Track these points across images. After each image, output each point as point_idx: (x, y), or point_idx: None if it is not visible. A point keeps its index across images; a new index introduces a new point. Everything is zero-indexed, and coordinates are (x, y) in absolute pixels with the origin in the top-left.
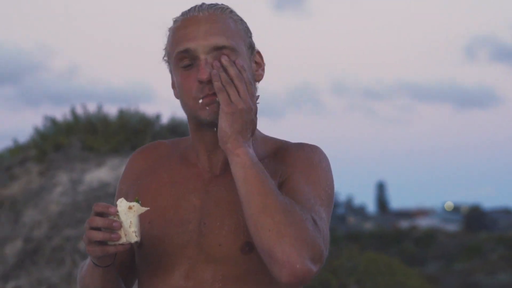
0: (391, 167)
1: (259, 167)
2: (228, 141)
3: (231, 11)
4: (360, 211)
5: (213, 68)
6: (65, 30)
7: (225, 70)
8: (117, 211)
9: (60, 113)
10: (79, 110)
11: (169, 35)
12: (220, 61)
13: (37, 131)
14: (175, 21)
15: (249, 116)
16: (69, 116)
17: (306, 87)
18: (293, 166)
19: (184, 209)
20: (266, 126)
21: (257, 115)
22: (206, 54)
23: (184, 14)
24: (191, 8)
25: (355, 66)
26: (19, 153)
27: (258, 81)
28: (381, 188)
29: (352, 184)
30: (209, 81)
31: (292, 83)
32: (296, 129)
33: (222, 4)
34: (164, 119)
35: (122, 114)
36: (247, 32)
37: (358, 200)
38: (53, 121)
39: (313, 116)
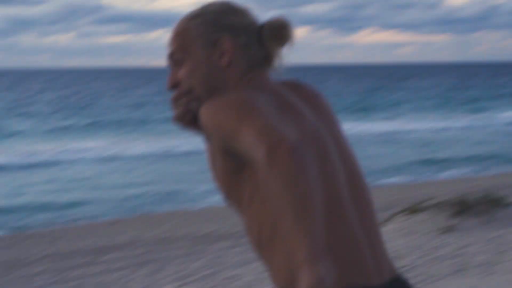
0: None
1: None
2: None
3: (197, 15)
4: None
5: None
6: None
7: None
8: None
9: None
10: None
11: None
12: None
13: None
14: None
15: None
16: None
17: None
18: None
19: None
20: None
21: None
22: (168, 64)
23: None
24: None
25: None
26: None
27: (224, 66)
28: None
29: None
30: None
31: None
32: None
33: (197, 9)
34: None
35: None
36: (208, 30)
37: None
38: None
39: None
